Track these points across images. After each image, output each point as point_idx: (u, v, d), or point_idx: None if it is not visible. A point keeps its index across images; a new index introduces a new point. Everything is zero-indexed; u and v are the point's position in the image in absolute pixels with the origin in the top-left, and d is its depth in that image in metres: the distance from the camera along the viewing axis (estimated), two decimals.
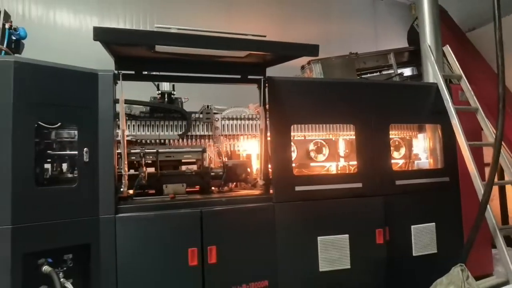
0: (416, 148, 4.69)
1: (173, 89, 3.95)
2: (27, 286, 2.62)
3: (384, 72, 5.99)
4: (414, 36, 5.87)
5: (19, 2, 5.95)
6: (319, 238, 3.45)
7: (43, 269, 2.67)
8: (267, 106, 3.46)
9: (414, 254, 3.81)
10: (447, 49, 4.40)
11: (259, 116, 4.11)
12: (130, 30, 2.12)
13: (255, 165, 4.15)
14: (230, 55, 2.94)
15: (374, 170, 3.70)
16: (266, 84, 3.45)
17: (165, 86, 3.94)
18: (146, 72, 3.36)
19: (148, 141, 3.73)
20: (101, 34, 2.18)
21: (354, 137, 3.97)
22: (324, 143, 4.15)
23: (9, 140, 2.58)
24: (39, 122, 2.91)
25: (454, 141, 3.99)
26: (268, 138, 3.50)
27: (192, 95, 4.31)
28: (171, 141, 3.86)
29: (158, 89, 3.93)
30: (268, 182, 3.48)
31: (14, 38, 3.46)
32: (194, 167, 3.97)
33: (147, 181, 3.52)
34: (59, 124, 3.13)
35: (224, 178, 3.88)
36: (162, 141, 3.79)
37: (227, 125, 4.05)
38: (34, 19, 6.01)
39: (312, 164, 4.12)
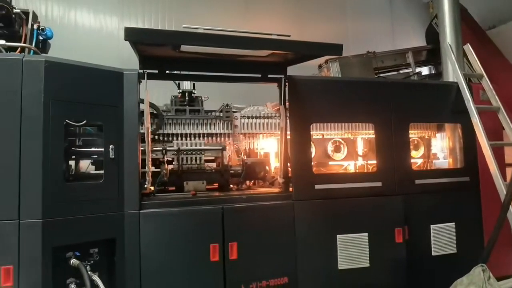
0: (434, 148, 4.67)
1: (194, 88, 4.02)
2: (56, 278, 2.72)
3: (402, 71, 5.97)
4: (432, 34, 5.83)
5: (42, 2, 6.11)
6: (338, 236, 3.47)
7: (71, 262, 2.77)
8: (287, 104, 3.49)
9: (433, 254, 3.80)
10: (468, 48, 4.36)
11: (278, 114, 4.15)
12: (160, 30, 2.18)
13: (273, 163, 4.20)
14: (252, 54, 2.98)
15: (394, 169, 3.70)
16: (287, 83, 3.48)
17: (186, 85, 4.01)
18: (168, 71, 3.41)
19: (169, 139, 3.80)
20: (132, 35, 2.24)
21: (372, 136, 3.99)
22: (343, 142, 4.17)
23: (40, 137, 2.67)
24: (67, 120, 2.99)
25: (474, 140, 3.96)
26: (288, 137, 3.53)
27: (211, 94, 4.38)
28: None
29: (179, 88, 4.01)
30: (288, 180, 3.51)
31: (41, 38, 3.56)
32: (213, 164, 4.03)
33: (168, 178, 3.60)
34: (84, 121, 3.22)
35: (243, 176, 3.93)
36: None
37: (246, 123, 4.10)
38: (56, 19, 6.16)
39: (330, 162, 4.14)
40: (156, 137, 3.65)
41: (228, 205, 3.22)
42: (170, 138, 3.79)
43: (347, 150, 4.18)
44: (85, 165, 3.75)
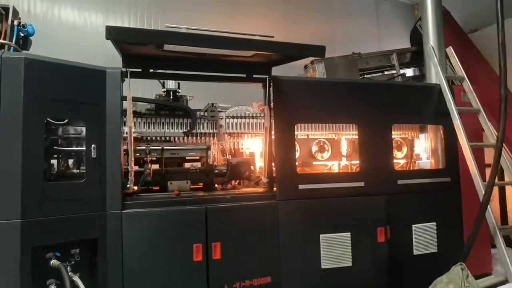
0: (417, 148, 4.74)
1: (178, 87, 4.00)
2: (36, 279, 2.67)
3: (386, 73, 6.05)
4: (417, 36, 5.92)
5: None
6: (321, 235, 3.50)
7: (52, 263, 2.73)
8: (271, 105, 3.50)
9: (414, 253, 3.86)
10: (450, 51, 4.44)
11: (263, 114, 4.16)
12: (142, 29, 2.15)
13: (258, 163, 4.21)
14: (236, 54, 2.98)
15: (376, 170, 3.75)
16: (271, 83, 3.49)
17: (170, 84, 3.98)
18: (152, 70, 3.38)
19: (152, 138, 3.78)
20: (113, 33, 2.21)
21: (356, 136, 4.04)
22: (327, 142, 4.20)
23: (20, 135, 2.62)
24: (48, 118, 2.94)
25: (455, 141, 4.04)
26: (272, 137, 3.54)
27: (196, 93, 4.35)
28: (175, 138, 3.93)
29: (163, 87, 3.98)
30: (272, 180, 3.52)
31: (22, 34, 3.49)
32: (198, 164, 4.02)
33: (152, 177, 3.57)
34: (66, 120, 3.18)
35: (228, 176, 3.93)
36: (167, 138, 3.87)
37: (231, 123, 4.10)
38: (39, 15, 6.04)
39: (314, 163, 4.16)
40: (139, 136, 3.62)
41: (212, 205, 3.21)
42: (153, 138, 3.78)
43: (331, 150, 4.21)
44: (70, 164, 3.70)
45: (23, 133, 2.63)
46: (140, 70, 3.22)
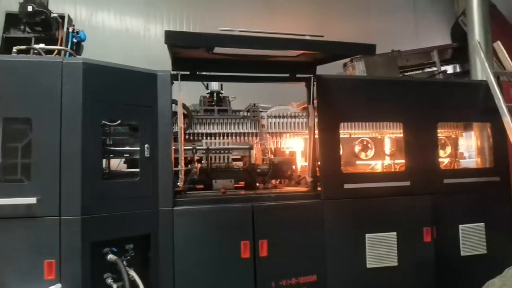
0: (460, 147, 4.61)
1: (221, 89, 4.09)
2: (94, 272, 2.81)
3: (426, 70, 5.92)
4: (458, 32, 5.76)
5: (71, 6, 6.28)
6: (367, 235, 3.48)
7: (108, 257, 2.86)
8: (315, 104, 3.51)
9: (462, 254, 3.76)
10: (498, 45, 4.29)
11: (304, 114, 4.18)
12: (198, 33, 2.24)
13: (299, 163, 4.23)
14: (282, 54, 3.02)
15: (422, 169, 3.68)
16: (315, 83, 3.50)
17: (214, 85, 4.09)
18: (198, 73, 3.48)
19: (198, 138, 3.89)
20: (172, 38, 2.31)
21: (400, 135, 3.98)
22: (370, 141, 4.16)
23: (79, 136, 2.77)
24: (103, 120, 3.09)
25: (505, 139, 3.90)
26: (316, 136, 3.55)
27: (236, 94, 4.44)
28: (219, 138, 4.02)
29: (207, 89, 4.09)
30: (316, 180, 3.54)
31: (75, 40, 3.69)
32: (237, 163, 4.09)
33: (198, 176, 3.68)
34: (119, 121, 3.32)
35: (270, 175, 3.98)
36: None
37: (272, 123, 4.15)
38: (84, 22, 6.33)
39: (357, 162, 4.14)
40: (186, 136, 3.72)
41: (258, 203, 3.27)
42: (201, 138, 3.88)
43: (375, 149, 4.16)
44: (116, 163, 3.86)
45: (82, 134, 2.78)
46: (188, 72, 3.31)
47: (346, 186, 3.45)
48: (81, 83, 2.80)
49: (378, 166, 4.30)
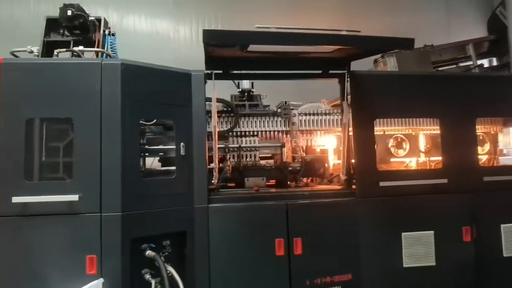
0: (500, 143, 4.43)
1: (252, 87, 4.10)
2: (133, 268, 2.88)
3: (461, 64, 5.71)
4: (496, 24, 5.54)
5: (102, 9, 6.46)
6: (403, 234, 3.40)
7: (147, 253, 2.92)
8: (349, 100, 3.46)
9: (504, 255, 3.62)
10: None
11: (336, 111, 4.14)
12: (237, 31, 2.25)
13: (332, 160, 4.18)
14: (316, 51, 3.00)
15: (460, 166, 3.56)
16: (348, 79, 3.46)
17: (245, 84, 4.10)
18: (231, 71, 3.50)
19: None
20: (210, 36, 2.33)
21: (435, 131, 3.88)
22: (405, 138, 4.07)
23: (119, 135, 2.84)
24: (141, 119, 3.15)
25: None
26: (350, 133, 3.51)
27: (267, 93, 4.43)
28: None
29: (238, 87, 4.10)
30: (351, 178, 3.49)
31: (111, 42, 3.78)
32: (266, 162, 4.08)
33: (230, 174, 3.70)
34: (154, 120, 3.39)
35: (302, 173, 3.95)
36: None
37: (303, 120, 4.12)
38: (115, 25, 6.49)
39: (392, 159, 4.05)
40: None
41: (292, 201, 3.26)
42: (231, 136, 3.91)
43: (409, 146, 4.07)
44: (149, 162, 3.94)
45: (121, 133, 2.85)
46: (221, 71, 3.34)
47: (382, 184, 3.38)
48: (119, 83, 2.88)
49: (412, 163, 4.21)
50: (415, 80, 3.66)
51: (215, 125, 3.20)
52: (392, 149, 4.08)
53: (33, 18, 5.86)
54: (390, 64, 5.14)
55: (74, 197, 2.73)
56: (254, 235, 3.17)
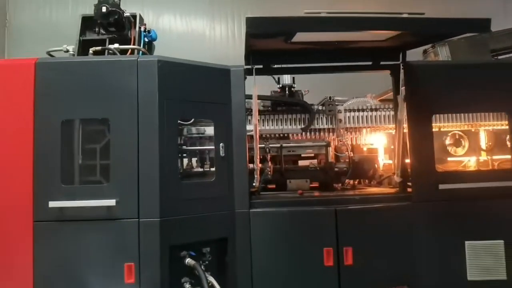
0: None
1: (293, 82, 3.85)
2: (172, 277, 2.71)
3: None
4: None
5: (138, 8, 6.39)
6: (467, 242, 3.03)
7: (187, 261, 2.74)
8: (403, 94, 3.12)
9: None
10: None
11: (386, 106, 3.81)
12: (284, 17, 2.01)
13: (382, 160, 3.85)
14: (369, 39, 2.70)
15: None
16: (402, 70, 3.12)
17: (286, 79, 3.85)
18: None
19: (268, 136, 3.70)
20: (255, 24, 2.09)
21: (499, 127, 3.47)
22: (463, 135, 3.67)
23: (156, 135, 2.68)
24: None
25: None
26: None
27: (307, 88, 4.16)
28: (290, 135, 3.80)
29: (278, 83, 3.86)
30: (406, 180, 3.15)
31: (146, 40, 3.65)
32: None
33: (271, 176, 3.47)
34: (192, 120, 3.21)
35: (350, 174, 3.66)
36: (282, 135, 3.76)
37: (350, 117, 3.83)
38: (151, 24, 6.41)
39: (449, 158, 3.66)
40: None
41: (342, 207, 2.97)
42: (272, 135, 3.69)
43: (469, 144, 3.66)
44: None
45: (159, 133, 2.69)
46: (261, 66, 3.10)
47: (441, 186, 3.02)
48: (156, 81, 2.72)
49: (471, 163, 3.79)
50: (479, 70, 3.25)
51: (256, 124, 2.97)
52: (449, 148, 3.68)
53: (71, 20, 5.90)
54: (442, 54, 4.69)
55: (111, 202, 2.60)
56: (301, 243, 2.91)
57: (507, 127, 3.58)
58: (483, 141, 3.72)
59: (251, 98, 3.09)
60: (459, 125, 3.71)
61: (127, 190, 2.65)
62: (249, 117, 3.32)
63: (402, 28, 2.33)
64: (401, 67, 3.01)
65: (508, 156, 3.56)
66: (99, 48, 3.08)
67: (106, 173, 2.72)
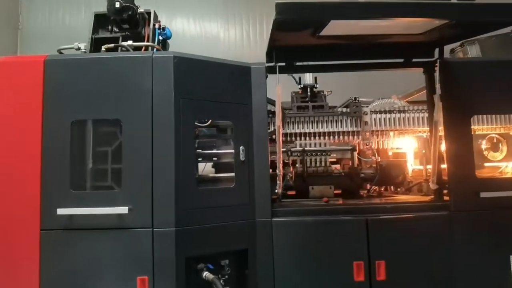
0: None
1: (316, 82, 3.62)
2: None
3: None
4: None
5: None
6: None
7: (204, 275, 2.52)
8: (438, 94, 2.86)
9: None
10: None
11: (411, 107, 3.57)
12: (317, 3, 1.80)
13: (411, 166, 3.59)
14: (404, 32, 2.46)
15: None
16: (436, 68, 2.87)
17: (307, 79, 3.63)
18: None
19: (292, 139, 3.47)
20: (285, 11, 1.87)
21: None
22: (501, 138, 3.38)
23: (172, 138, 2.47)
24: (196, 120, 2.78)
25: None
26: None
27: (329, 88, 3.92)
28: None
29: (299, 83, 3.64)
30: (443, 187, 2.88)
31: (161, 38, 3.47)
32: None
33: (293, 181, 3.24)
34: (209, 121, 3.01)
35: (377, 181, 3.40)
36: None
37: (377, 119, 3.58)
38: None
39: (486, 164, 3.37)
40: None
41: (373, 216, 2.71)
42: (293, 138, 3.45)
43: (507, 148, 3.37)
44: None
45: (175, 135, 2.48)
46: (283, 64, 2.88)
47: (483, 195, 2.75)
48: (172, 79, 2.52)
49: (508, 168, 3.50)
50: None
51: (279, 125, 2.74)
52: (486, 152, 3.40)
53: (84, 23, 5.81)
54: (472, 53, 4.41)
55: (124, 209, 2.39)
56: (328, 256, 2.66)
57: None
58: None
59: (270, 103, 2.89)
60: (494, 127, 3.43)
61: (140, 196, 2.44)
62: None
63: (455, 16, 2.07)
64: (438, 63, 2.75)
65: None
66: (111, 45, 2.89)
67: (117, 178, 2.52)
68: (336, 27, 2.24)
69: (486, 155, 3.40)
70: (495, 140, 3.39)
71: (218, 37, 6.51)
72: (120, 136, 2.55)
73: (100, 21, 3.30)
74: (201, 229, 2.53)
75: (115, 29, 3.26)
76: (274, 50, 2.73)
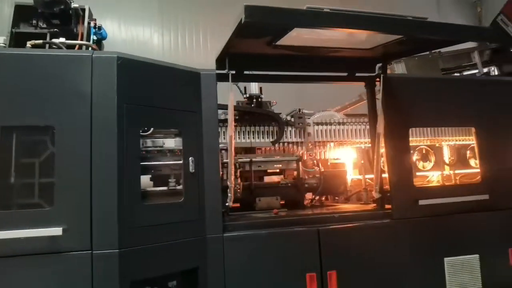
0: None
1: (261, 92, 3.59)
2: None
3: (465, 73, 5.48)
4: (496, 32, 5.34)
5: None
6: (446, 259, 2.95)
7: None
8: (379, 108, 3.00)
9: None
10: None
11: (351, 120, 3.73)
12: (290, 9, 1.73)
13: (350, 176, 3.72)
14: (355, 46, 2.53)
15: (503, 179, 3.18)
16: (378, 83, 3.02)
17: (253, 89, 3.58)
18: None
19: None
20: (254, 14, 1.76)
21: (461, 142, 3.55)
22: (430, 149, 3.67)
23: (115, 145, 2.22)
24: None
25: None
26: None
27: (272, 99, 3.92)
28: (256, 149, 3.53)
29: (245, 93, 3.57)
30: (384, 196, 3.01)
31: (95, 38, 3.16)
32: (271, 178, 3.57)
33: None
34: (151, 130, 2.77)
35: (320, 191, 3.45)
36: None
37: (319, 130, 3.68)
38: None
39: (418, 173, 3.61)
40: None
41: (324, 226, 2.72)
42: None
43: (434, 158, 3.68)
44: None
45: (118, 145, 2.23)
46: (233, 72, 2.79)
47: (421, 202, 2.93)
48: (115, 82, 2.27)
49: (434, 177, 3.82)
50: (452, 84, 3.27)
51: (232, 135, 2.63)
52: (417, 162, 3.66)
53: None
54: (399, 71, 4.80)
55: (57, 231, 2.06)
56: (281, 269, 2.60)
57: (467, 142, 3.72)
58: (447, 156, 3.76)
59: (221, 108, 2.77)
60: (424, 139, 3.73)
61: (77, 215, 2.14)
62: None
63: (410, 31, 2.17)
64: (382, 78, 2.88)
65: (469, 170, 3.66)
66: (39, 41, 2.54)
67: (48, 194, 2.17)
68: (295, 37, 2.22)
69: (417, 165, 3.66)
70: (424, 151, 3.67)
71: (152, 43, 6.20)
72: (52, 146, 2.21)
73: (22, 12, 2.90)
74: (147, 249, 2.29)
75: (41, 24, 2.89)
76: (228, 57, 2.61)
